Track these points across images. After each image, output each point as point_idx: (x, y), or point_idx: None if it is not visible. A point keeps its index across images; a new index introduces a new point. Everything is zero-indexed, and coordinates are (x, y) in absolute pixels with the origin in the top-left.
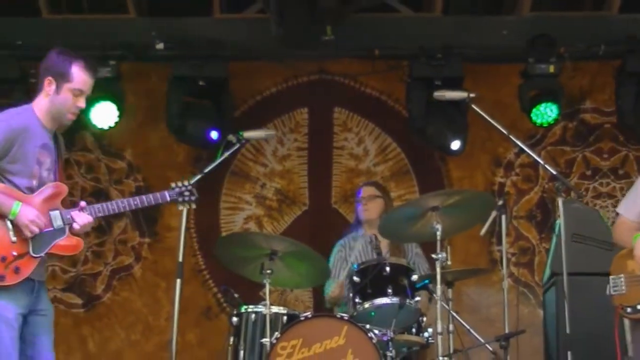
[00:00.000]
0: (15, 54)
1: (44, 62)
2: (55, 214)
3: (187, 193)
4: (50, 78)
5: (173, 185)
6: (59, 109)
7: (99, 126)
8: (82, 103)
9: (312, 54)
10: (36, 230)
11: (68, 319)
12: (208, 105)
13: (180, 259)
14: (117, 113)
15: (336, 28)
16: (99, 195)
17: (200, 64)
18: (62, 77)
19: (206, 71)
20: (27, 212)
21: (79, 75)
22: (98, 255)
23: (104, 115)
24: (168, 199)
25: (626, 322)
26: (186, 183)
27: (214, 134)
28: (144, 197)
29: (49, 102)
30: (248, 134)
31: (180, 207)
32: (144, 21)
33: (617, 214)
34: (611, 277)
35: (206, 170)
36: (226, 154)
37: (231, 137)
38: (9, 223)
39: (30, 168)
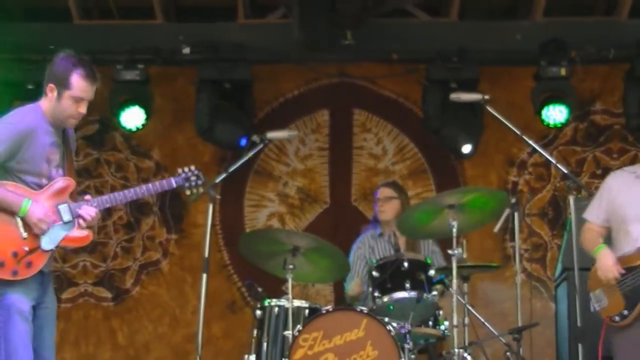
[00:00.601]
0: (48, 59)
1: (49, 67)
2: (64, 207)
3: (193, 178)
4: (52, 85)
5: (180, 170)
6: (60, 114)
7: (128, 127)
8: (83, 109)
9: (333, 57)
10: (44, 227)
11: (98, 312)
12: (235, 108)
13: (206, 255)
14: (144, 115)
15: (356, 33)
16: None
17: (225, 67)
18: (62, 85)
19: (231, 74)
20: (36, 211)
21: (79, 83)
22: (127, 250)
23: (133, 116)
24: (174, 184)
25: None
26: (192, 167)
27: (243, 142)
28: (150, 185)
29: (52, 108)
30: (271, 135)
31: (188, 192)
32: (171, 26)
33: (585, 220)
34: (591, 294)
35: (231, 170)
36: (250, 154)
37: (255, 138)
38: (19, 220)
39: (39, 167)
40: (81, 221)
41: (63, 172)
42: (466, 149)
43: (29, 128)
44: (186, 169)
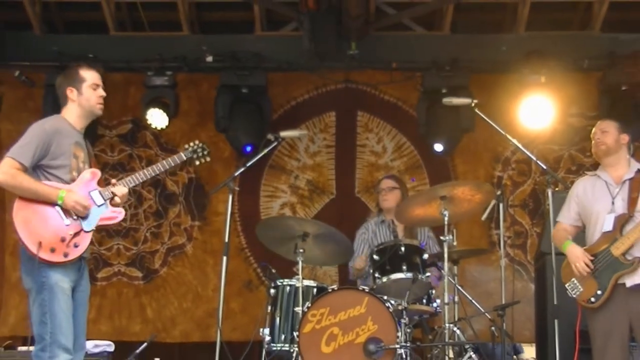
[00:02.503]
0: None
1: (57, 83)
2: (95, 193)
3: (199, 150)
4: (70, 87)
5: (186, 146)
6: (86, 105)
7: (157, 126)
8: (102, 92)
9: (339, 65)
10: (82, 209)
11: (130, 290)
12: (248, 113)
13: (226, 239)
14: (171, 115)
15: (360, 44)
16: (156, 184)
17: (244, 74)
18: (78, 81)
19: (249, 80)
20: (72, 196)
21: (89, 73)
22: (156, 235)
23: (160, 117)
24: (184, 157)
25: None
26: (197, 141)
27: (248, 148)
28: (164, 161)
29: (77, 106)
30: (284, 134)
31: (197, 162)
32: (196, 38)
33: (558, 222)
34: (567, 284)
35: (248, 164)
36: (265, 151)
37: (270, 136)
38: (59, 209)
39: (68, 161)
40: (116, 198)
41: (89, 167)
42: (438, 147)
43: (53, 127)
44: (192, 143)
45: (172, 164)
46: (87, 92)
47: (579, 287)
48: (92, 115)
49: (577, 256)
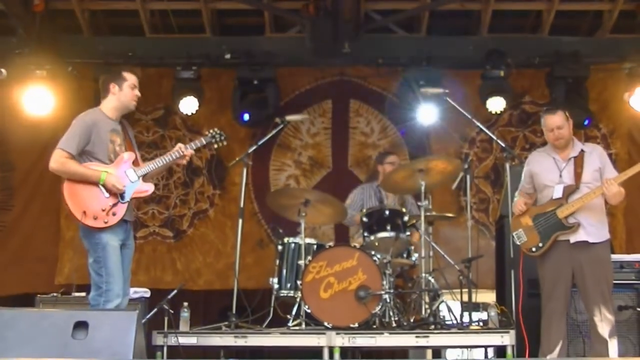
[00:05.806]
0: (127, 63)
1: (101, 80)
2: (130, 171)
3: (217, 136)
4: (113, 84)
5: (206, 132)
6: (125, 100)
7: (185, 112)
8: (138, 92)
9: (335, 62)
10: (118, 188)
11: (163, 247)
12: (254, 100)
13: (242, 205)
14: (197, 103)
15: (352, 44)
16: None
17: (256, 69)
18: (120, 80)
19: (260, 74)
20: (111, 179)
21: (130, 76)
22: (184, 202)
23: (189, 104)
24: (204, 142)
25: None
26: (216, 129)
27: (246, 116)
28: (192, 143)
29: (116, 100)
30: (289, 118)
31: (215, 146)
32: (217, 39)
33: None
34: (513, 233)
35: (260, 143)
36: (274, 132)
37: (277, 120)
38: (101, 187)
39: (106, 147)
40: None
41: (125, 149)
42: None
43: (92, 121)
44: (212, 130)
45: (199, 145)
46: (126, 90)
47: (524, 237)
48: (126, 109)
49: (517, 204)
